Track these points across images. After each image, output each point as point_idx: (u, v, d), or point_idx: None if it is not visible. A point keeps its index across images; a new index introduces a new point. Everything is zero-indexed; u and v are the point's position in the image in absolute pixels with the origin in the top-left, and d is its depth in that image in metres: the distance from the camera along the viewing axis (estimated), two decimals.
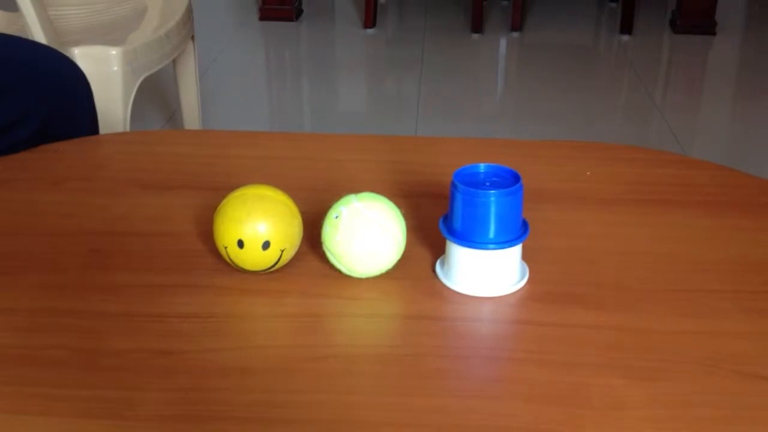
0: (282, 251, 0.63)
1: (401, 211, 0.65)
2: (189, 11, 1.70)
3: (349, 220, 0.63)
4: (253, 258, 0.63)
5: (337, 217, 0.64)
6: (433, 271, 0.66)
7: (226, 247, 0.63)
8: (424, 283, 0.65)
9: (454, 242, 0.63)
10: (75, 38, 0.98)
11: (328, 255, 0.64)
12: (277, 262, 0.63)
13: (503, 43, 2.92)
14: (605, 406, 0.53)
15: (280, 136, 0.93)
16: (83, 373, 0.54)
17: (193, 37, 1.76)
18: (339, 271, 0.64)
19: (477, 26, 2.93)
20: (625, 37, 2.93)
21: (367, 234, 0.63)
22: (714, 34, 2.91)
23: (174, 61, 1.75)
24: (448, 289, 0.64)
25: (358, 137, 0.82)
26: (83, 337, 0.58)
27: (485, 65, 2.78)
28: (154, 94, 2.30)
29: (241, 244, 0.62)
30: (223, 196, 0.64)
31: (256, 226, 0.62)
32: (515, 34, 2.95)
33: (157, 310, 0.61)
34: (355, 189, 0.78)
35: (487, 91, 2.57)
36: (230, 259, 0.63)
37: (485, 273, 0.63)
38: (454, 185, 0.62)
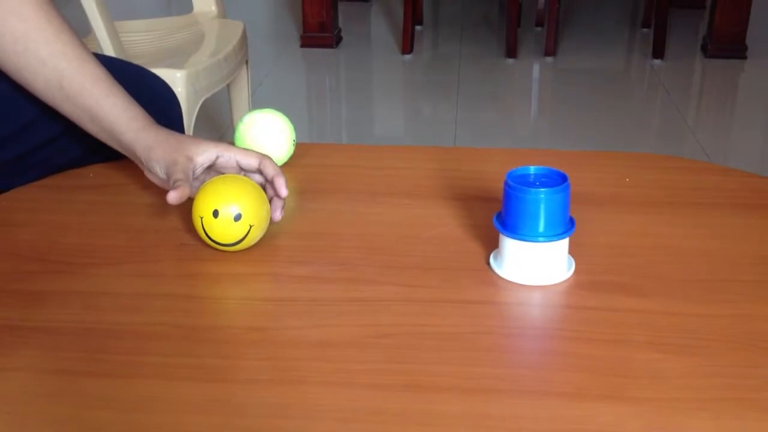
0: (251, 227, 0.71)
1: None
2: (244, 37, 1.80)
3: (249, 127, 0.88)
4: (225, 229, 0.71)
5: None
6: (488, 263, 0.73)
7: (201, 218, 0.71)
8: (479, 274, 0.72)
9: (508, 236, 0.70)
10: (141, 62, 1.07)
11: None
12: (245, 237, 0.71)
13: (537, 68, 3.00)
14: (647, 376, 0.59)
15: (341, 147, 1.01)
16: (186, 345, 0.62)
17: (247, 62, 1.86)
18: None
19: (511, 52, 3.01)
20: (657, 62, 2.99)
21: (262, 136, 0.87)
22: (745, 58, 2.97)
23: (228, 85, 1.86)
24: (502, 278, 0.71)
25: (415, 148, 0.90)
26: (181, 316, 0.66)
27: (520, 89, 2.86)
28: (205, 116, 2.40)
29: (216, 213, 0.70)
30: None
31: (231, 200, 0.70)
32: (549, 59, 3.03)
33: (244, 294, 0.69)
34: (413, 193, 0.86)
35: (521, 115, 2.65)
36: (204, 229, 0.71)
37: (536, 263, 0.70)
38: (507, 184, 0.70)
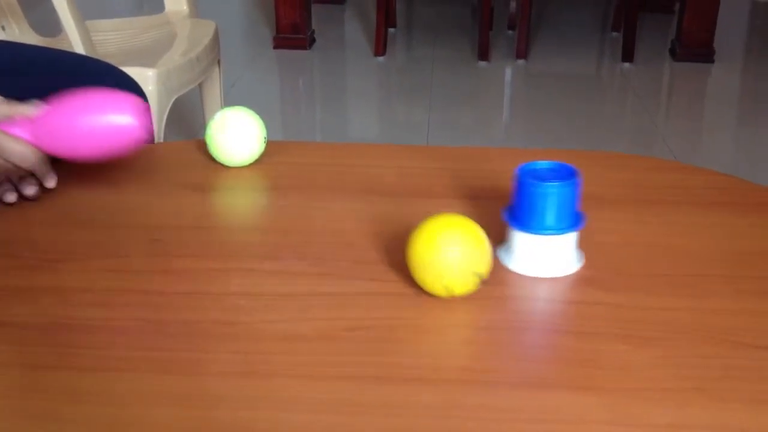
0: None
1: None
2: (216, 37, 1.80)
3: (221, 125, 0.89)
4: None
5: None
6: None
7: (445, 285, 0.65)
8: None
9: (518, 228, 0.71)
10: (113, 61, 1.07)
11: (210, 150, 0.89)
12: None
13: (509, 70, 3.02)
14: (613, 367, 0.60)
15: (312, 144, 1.02)
16: (157, 338, 0.62)
17: (219, 62, 1.86)
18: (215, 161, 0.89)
19: (484, 54, 3.04)
20: (627, 65, 3.03)
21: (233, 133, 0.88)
22: (712, 62, 3.02)
23: (200, 85, 1.85)
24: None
25: (385, 146, 0.90)
26: (153, 311, 0.66)
27: (492, 92, 2.88)
28: (177, 116, 2.39)
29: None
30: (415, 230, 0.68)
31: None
32: (520, 62, 3.06)
33: (215, 289, 0.69)
34: (383, 191, 0.86)
35: (493, 117, 2.67)
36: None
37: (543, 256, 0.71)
38: (518, 178, 0.70)
